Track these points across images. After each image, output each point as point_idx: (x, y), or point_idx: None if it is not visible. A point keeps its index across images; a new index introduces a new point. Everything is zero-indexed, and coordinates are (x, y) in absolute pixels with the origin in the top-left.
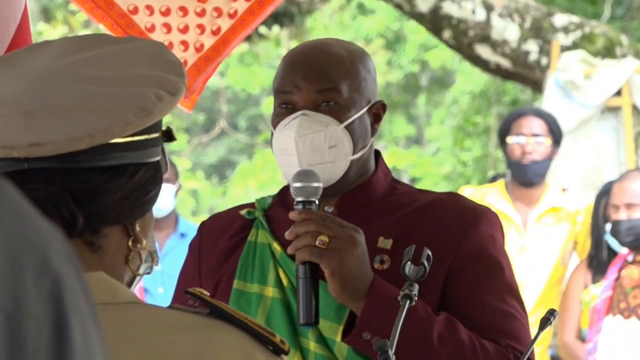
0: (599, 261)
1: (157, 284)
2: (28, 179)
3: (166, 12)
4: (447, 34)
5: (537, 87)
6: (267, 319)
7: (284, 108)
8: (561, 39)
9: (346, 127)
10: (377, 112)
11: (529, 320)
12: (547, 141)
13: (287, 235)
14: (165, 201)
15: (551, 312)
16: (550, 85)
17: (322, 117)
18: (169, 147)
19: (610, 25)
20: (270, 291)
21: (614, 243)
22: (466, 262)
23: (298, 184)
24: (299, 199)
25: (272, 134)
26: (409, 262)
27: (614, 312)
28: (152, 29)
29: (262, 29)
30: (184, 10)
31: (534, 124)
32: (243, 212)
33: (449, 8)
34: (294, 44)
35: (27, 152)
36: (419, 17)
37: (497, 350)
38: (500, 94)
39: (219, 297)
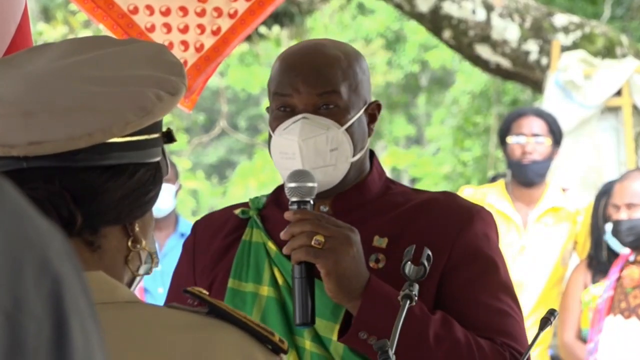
0: (598, 261)
1: (157, 284)
2: (27, 177)
3: (166, 12)
4: (447, 34)
5: (537, 87)
6: (262, 318)
7: (283, 111)
8: (561, 39)
9: (346, 130)
10: (373, 112)
11: (529, 321)
12: (547, 141)
13: (283, 235)
14: (165, 201)
15: (551, 312)
16: (550, 85)
17: (323, 120)
18: (169, 147)
19: (610, 25)
20: (265, 290)
21: (614, 243)
22: (461, 261)
23: (293, 184)
24: (294, 199)
25: (269, 136)
26: (409, 262)
27: (615, 312)
28: (152, 29)
29: (262, 29)
30: (184, 10)
31: (534, 124)
32: (237, 211)
33: (449, 8)
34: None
35: (26, 151)
36: (419, 17)
37: (493, 348)
38: (500, 94)
39: (214, 296)
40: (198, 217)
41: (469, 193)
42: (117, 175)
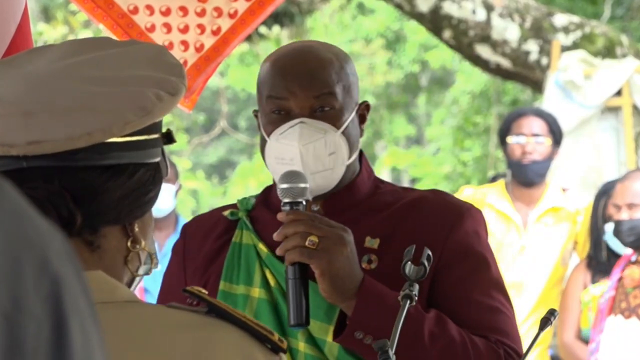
0: (598, 261)
1: (158, 284)
2: (27, 177)
3: (166, 12)
4: (447, 34)
5: (537, 87)
6: None
7: (277, 114)
8: (561, 39)
9: (342, 132)
10: (363, 113)
11: (529, 321)
12: (547, 141)
13: (276, 236)
14: (165, 201)
15: (551, 312)
16: (550, 85)
17: (320, 124)
18: (169, 147)
19: (610, 25)
20: (257, 292)
21: (613, 243)
22: (452, 259)
23: (285, 185)
24: (287, 200)
25: (261, 140)
26: (409, 262)
27: (615, 312)
28: (152, 28)
29: (263, 29)
30: (184, 10)
31: (534, 124)
32: (226, 213)
33: (449, 8)
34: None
35: (25, 150)
36: (419, 17)
37: (487, 345)
38: (500, 94)
39: None
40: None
41: (469, 193)
42: (116, 175)
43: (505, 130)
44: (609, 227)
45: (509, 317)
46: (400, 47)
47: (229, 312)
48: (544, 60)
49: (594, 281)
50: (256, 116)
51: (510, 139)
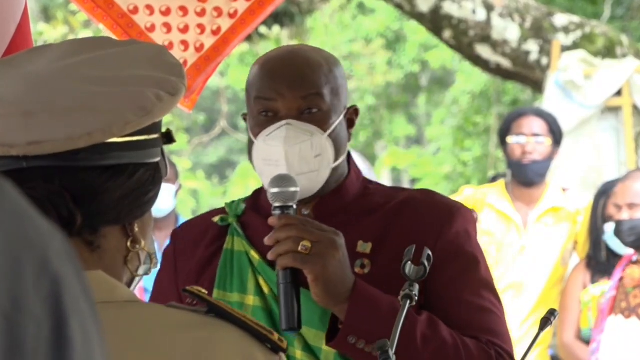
0: (597, 261)
1: None
2: (27, 177)
3: (166, 12)
4: (447, 33)
5: (537, 87)
6: None
7: (265, 116)
8: (561, 39)
9: (329, 135)
10: (351, 117)
11: (529, 321)
12: (548, 141)
13: (267, 241)
14: (165, 201)
15: (551, 312)
16: (550, 85)
17: (307, 126)
18: (169, 147)
19: (610, 25)
20: (251, 300)
21: (613, 243)
22: (444, 259)
23: (275, 190)
24: (277, 204)
25: (249, 142)
26: (409, 262)
27: (616, 311)
28: (152, 28)
29: (263, 29)
30: (184, 10)
31: (534, 124)
32: (216, 219)
33: (449, 8)
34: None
35: (26, 151)
36: (419, 17)
37: (479, 347)
38: (500, 94)
39: None
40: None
41: (469, 193)
42: (116, 175)
43: (505, 130)
44: (609, 227)
45: (499, 317)
46: (401, 47)
47: (228, 312)
48: (544, 60)
49: (593, 281)
50: (245, 119)
51: (511, 139)
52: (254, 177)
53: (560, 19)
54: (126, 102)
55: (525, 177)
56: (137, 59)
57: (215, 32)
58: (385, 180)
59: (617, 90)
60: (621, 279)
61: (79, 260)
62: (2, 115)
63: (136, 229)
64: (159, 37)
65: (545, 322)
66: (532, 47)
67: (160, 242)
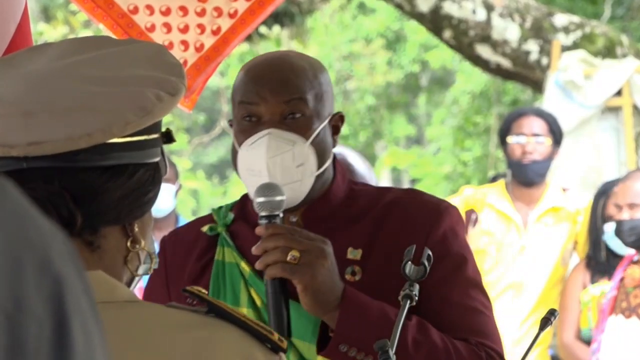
0: (597, 261)
1: None
2: (27, 178)
3: (166, 12)
4: (447, 33)
5: (537, 87)
6: None
7: (248, 121)
8: (561, 39)
9: (312, 143)
10: (336, 124)
11: (529, 321)
12: (548, 141)
13: (255, 250)
14: (165, 201)
15: (552, 312)
16: (550, 85)
17: (288, 134)
18: (169, 147)
19: (610, 25)
20: (244, 312)
21: (612, 243)
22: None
23: (261, 199)
24: (263, 213)
25: (233, 148)
26: (409, 262)
27: (616, 311)
28: (152, 28)
29: (263, 29)
30: (184, 10)
31: (534, 124)
32: (205, 229)
33: (449, 8)
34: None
35: (26, 151)
36: (419, 17)
37: (469, 349)
38: (500, 94)
39: None
40: (198, 217)
41: (470, 193)
42: (116, 175)
43: (505, 130)
44: (609, 227)
45: (488, 317)
46: (401, 47)
47: (228, 312)
48: (544, 60)
49: (593, 281)
50: (231, 125)
51: (511, 139)
52: None
53: (561, 19)
54: (126, 102)
55: (525, 177)
56: (137, 58)
57: (215, 32)
58: (386, 180)
59: (617, 90)
60: (622, 279)
61: (79, 260)
62: (2, 115)
63: (136, 229)
64: (159, 37)
65: (545, 322)
66: (532, 47)
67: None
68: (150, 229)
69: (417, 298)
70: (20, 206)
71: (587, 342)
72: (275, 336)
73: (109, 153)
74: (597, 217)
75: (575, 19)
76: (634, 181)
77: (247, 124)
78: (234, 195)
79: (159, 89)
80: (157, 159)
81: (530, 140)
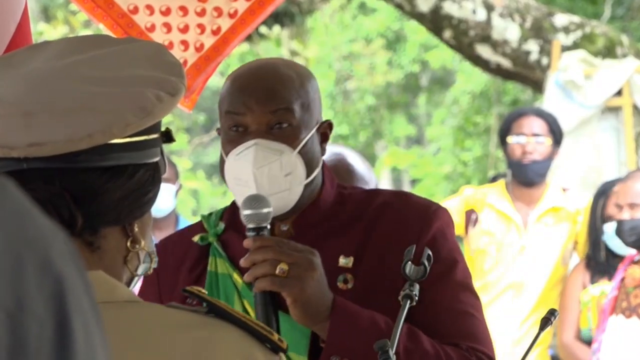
0: (597, 261)
1: None
2: (27, 178)
3: (166, 12)
4: (447, 33)
5: (537, 87)
6: None
7: (235, 131)
8: (562, 39)
9: (300, 152)
10: (325, 131)
11: (529, 321)
12: (548, 141)
13: (243, 263)
14: (165, 201)
15: (552, 312)
16: (550, 85)
17: (275, 144)
18: (169, 147)
19: (610, 25)
20: None
21: (612, 243)
22: None
23: (248, 212)
24: (251, 225)
25: (220, 159)
26: (409, 262)
27: (617, 311)
28: (152, 28)
29: (263, 29)
30: (184, 9)
31: (534, 124)
32: (196, 239)
33: (449, 8)
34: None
35: (26, 152)
36: (419, 17)
37: (460, 354)
38: (500, 94)
39: None
40: (198, 217)
41: (470, 193)
42: (116, 176)
43: (505, 130)
44: (609, 227)
45: (479, 319)
46: (401, 47)
47: (228, 312)
48: (544, 60)
49: (593, 281)
50: (219, 134)
51: (511, 139)
52: None
53: (561, 19)
54: (126, 102)
55: (525, 177)
56: (137, 57)
57: (215, 32)
58: (386, 180)
59: (618, 90)
60: (623, 279)
61: (80, 260)
62: (2, 115)
63: (136, 229)
64: (159, 37)
65: (545, 322)
66: (533, 47)
67: None
68: (149, 229)
69: (417, 298)
70: (21, 206)
71: (587, 342)
72: (275, 336)
73: (109, 154)
74: (597, 217)
75: (576, 19)
76: (635, 181)
77: (234, 134)
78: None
79: (159, 89)
80: (156, 159)
81: (530, 140)
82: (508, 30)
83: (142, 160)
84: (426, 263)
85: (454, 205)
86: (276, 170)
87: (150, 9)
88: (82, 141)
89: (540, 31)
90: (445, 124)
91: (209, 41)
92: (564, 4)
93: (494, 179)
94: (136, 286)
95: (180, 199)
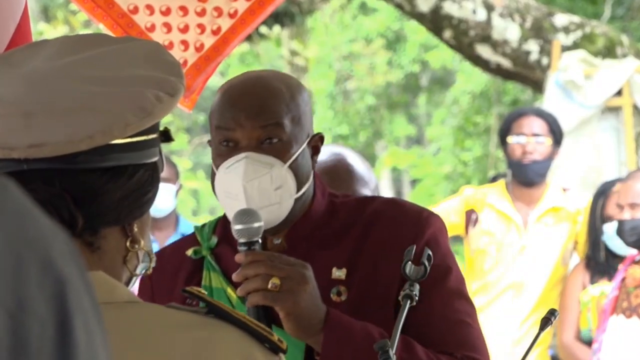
0: (596, 262)
1: None
2: (27, 179)
3: (166, 12)
4: (447, 33)
5: (537, 87)
6: None
7: (226, 146)
8: (562, 39)
9: (290, 165)
10: (316, 144)
11: (529, 321)
12: (548, 141)
13: (235, 278)
14: (165, 201)
15: (552, 312)
16: (550, 85)
17: (266, 158)
18: (170, 147)
19: (610, 25)
20: None
21: (612, 243)
22: None
23: (239, 226)
24: (242, 240)
25: (212, 171)
26: (410, 262)
27: (617, 311)
28: (152, 28)
29: (263, 29)
30: (184, 9)
31: (534, 124)
32: (189, 252)
33: (449, 8)
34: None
35: (26, 153)
36: (419, 17)
37: None
38: (500, 94)
39: None
40: (199, 217)
41: (470, 193)
42: (117, 176)
43: (505, 130)
44: (609, 227)
45: (473, 327)
46: (401, 47)
47: (228, 313)
48: (545, 60)
49: (592, 282)
50: (210, 145)
51: (511, 139)
52: None
53: (561, 19)
54: (126, 103)
55: (525, 177)
56: (136, 57)
57: (215, 32)
58: (386, 180)
59: (618, 90)
60: (623, 278)
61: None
62: (2, 115)
63: (135, 229)
64: (159, 37)
65: (545, 322)
66: (533, 47)
67: (160, 242)
68: (148, 228)
69: (417, 298)
70: (22, 206)
71: (587, 342)
72: (275, 337)
73: (109, 154)
74: (596, 218)
75: (576, 19)
76: (636, 181)
77: (224, 148)
78: None
79: (159, 90)
80: (155, 159)
81: (530, 140)
82: (508, 30)
83: (142, 160)
84: (426, 263)
85: (454, 205)
86: (266, 183)
87: (150, 8)
88: (82, 142)
89: (540, 31)
90: (446, 124)
91: (209, 41)
92: (564, 4)
93: (494, 179)
94: (134, 287)
95: (181, 199)
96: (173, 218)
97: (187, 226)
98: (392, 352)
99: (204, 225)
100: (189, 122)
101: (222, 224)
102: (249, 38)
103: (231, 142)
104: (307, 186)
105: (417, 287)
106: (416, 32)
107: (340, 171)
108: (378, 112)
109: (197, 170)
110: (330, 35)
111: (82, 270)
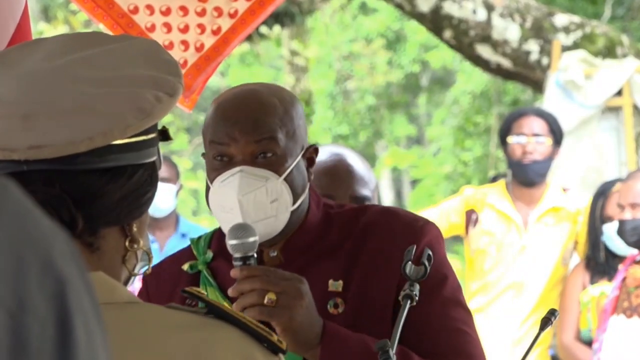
0: (596, 262)
1: None
2: (27, 180)
3: (166, 12)
4: (447, 33)
5: (537, 87)
6: None
7: (220, 160)
8: (562, 39)
9: (285, 178)
10: (311, 156)
11: (530, 321)
12: (548, 141)
13: (231, 292)
14: (166, 201)
15: (552, 312)
16: (550, 85)
17: (260, 171)
18: (170, 147)
19: (610, 25)
20: None
21: (612, 244)
22: None
23: (234, 241)
24: (237, 255)
25: (206, 185)
26: (410, 262)
27: (618, 311)
28: (152, 28)
29: (263, 29)
30: (184, 9)
31: (534, 124)
32: (185, 267)
33: (449, 8)
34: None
35: (26, 155)
36: (419, 17)
37: None
38: (501, 94)
39: None
40: (199, 217)
41: (470, 193)
42: (116, 177)
43: (505, 130)
44: (610, 227)
45: (470, 335)
46: (401, 47)
47: (228, 313)
48: (545, 60)
49: (592, 282)
50: (205, 159)
51: (511, 139)
52: None
53: (561, 19)
54: (126, 104)
55: (525, 177)
56: (134, 56)
57: (215, 32)
58: (386, 180)
59: (618, 90)
60: (624, 278)
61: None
62: (1, 116)
63: (134, 229)
64: (159, 37)
65: (545, 322)
66: (533, 47)
67: (160, 242)
68: (146, 227)
69: (417, 298)
70: (22, 206)
71: (587, 342)
72: (275, 337)
73: (108, 155)
74: (596, 218)
75: (576, 19)
76: (636, 181)
77: (218, 163)
78: None
79: (158, 90)
80: (154, 158)
81: (530, 140)
82: (508, 30)
83: (141, 160)
84: (426, 263)
85: (454, 205)
86: (262, 196)
87: (150, 8)
88: (82, 143)
89: (540, 31)
90: (446, 124)
91: (209, 41)
92: (564, 4)
93: (494, 179)
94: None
95: (181, 199)
96: (173, 218)
97: (187, 226)
98: (392, 352)
99: (199, 238)
100: (189, 122)
101: (217, 238)
102: (249, 38)
103: (225, 157)
104: (303, 198)
105: (417, 287)
106: (416, 32)
107: (340, 171)
108: (378, 112)
109: (197, 170)
110: (330, 35)
111: (82, 271)
